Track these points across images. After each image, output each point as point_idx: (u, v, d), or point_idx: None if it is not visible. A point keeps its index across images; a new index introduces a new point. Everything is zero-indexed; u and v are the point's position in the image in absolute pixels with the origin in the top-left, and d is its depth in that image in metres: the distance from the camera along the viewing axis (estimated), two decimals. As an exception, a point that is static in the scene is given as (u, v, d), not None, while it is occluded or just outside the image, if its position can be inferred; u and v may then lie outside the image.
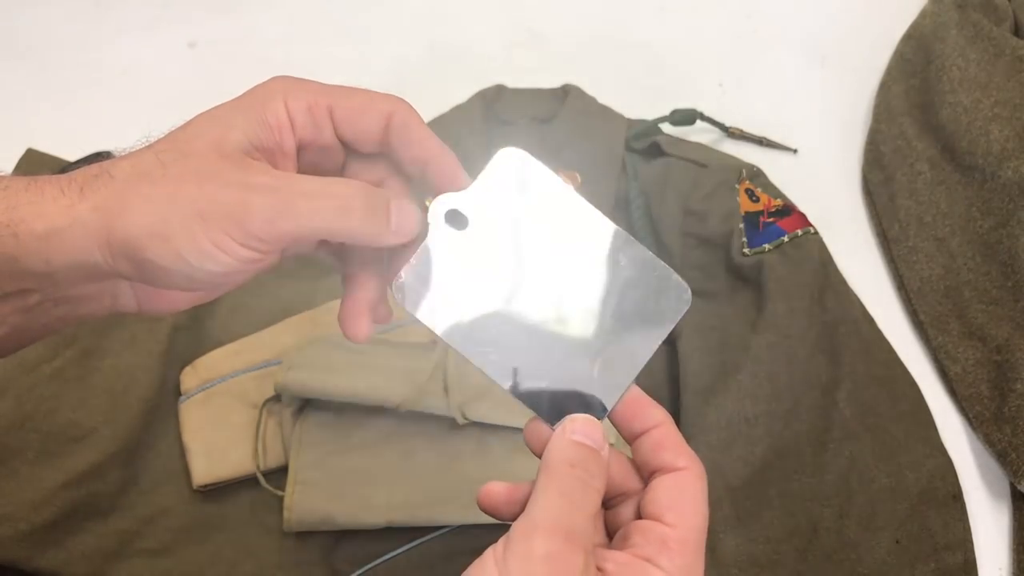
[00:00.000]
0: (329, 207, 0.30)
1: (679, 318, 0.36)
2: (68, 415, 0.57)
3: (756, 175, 0.68)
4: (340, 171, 0.36)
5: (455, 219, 0.34)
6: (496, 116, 0.76)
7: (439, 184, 0.34)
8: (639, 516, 0.33)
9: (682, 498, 0.32)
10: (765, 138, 0.76)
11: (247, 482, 0.57)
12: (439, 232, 0.34)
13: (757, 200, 0.65)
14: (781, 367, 0.58)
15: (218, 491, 0.58)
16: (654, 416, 0.34)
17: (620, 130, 0.72)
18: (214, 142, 0.31)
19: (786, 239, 0.63)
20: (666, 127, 0.74)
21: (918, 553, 0.53)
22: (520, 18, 0.89)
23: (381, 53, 0.87)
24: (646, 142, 0.72)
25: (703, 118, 0.74)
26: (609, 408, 0.34)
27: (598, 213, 0.35)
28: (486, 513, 0.33)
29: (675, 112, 0.73)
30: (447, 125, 0.74)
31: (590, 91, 0.75)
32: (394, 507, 0.53)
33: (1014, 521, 0.56)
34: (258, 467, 0.56)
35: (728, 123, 0.76)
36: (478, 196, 0.34)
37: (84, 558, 0.54)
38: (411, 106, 0.34)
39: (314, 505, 0.54)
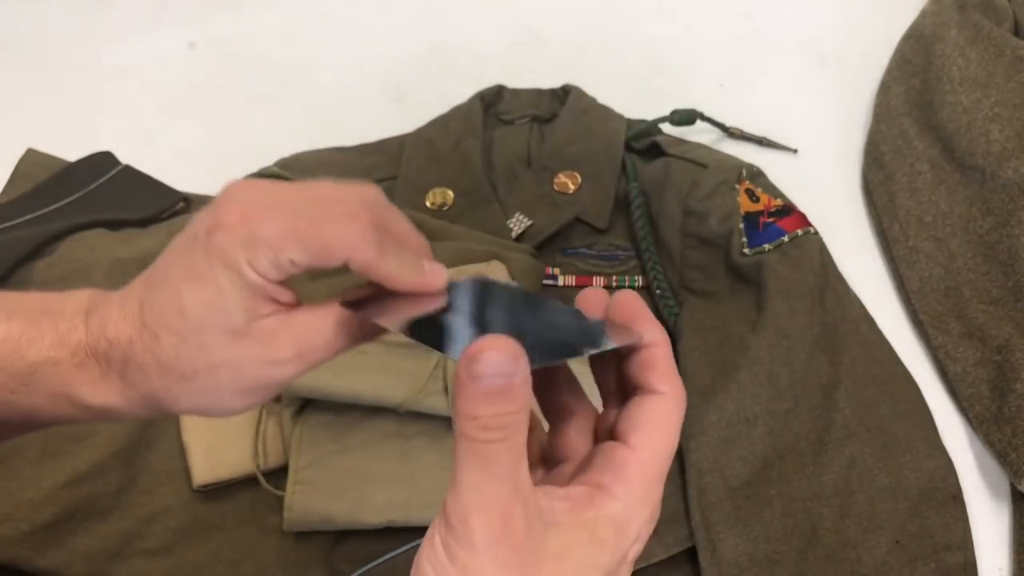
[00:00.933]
0: (344, 345, 0.36)
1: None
2: (68, 415, 0.57)
3: (756, 175, 0.68)
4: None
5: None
6: (496, 116, 0.76)
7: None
8: (597, 439, 0.31)
9: (652, 421, 0.30)
10: (765, 138, 0.76)
11: (247, 482, 0.57)
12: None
13: (757, 200, 0.65)
14: (781, 367, 0.58)
15: (218, 491, 0.58)
16: (650, 333, 0.31)
17: (620, 130, 0.72)
18: (225, 330, 0.32)
19: (786, 239, 0.63)
20: (666, 127, 0.74)
21: (918, 553, 0.53)
22: (520, 18, 0.90)
23: (381, 53, 0.87)
24: (646, 142, 0.72)
25: (703, 118, 0.74)
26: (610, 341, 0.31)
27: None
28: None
29: (675, 112, 0.73)
30: (447, 125, 0.74)
31: (590, 91, 0.75)
32: (394, 507, 0.53)
33: (1014, 521, 0.56)
34: (258, 467, 0.56)
35: (728, 123, 0.76)
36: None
37: (84, 558, 0.54)
38: (368, 225, 0.31)
39: (314, 505, 0.54)
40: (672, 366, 0.31)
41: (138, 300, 0.33)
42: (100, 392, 0.33)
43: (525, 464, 0.28)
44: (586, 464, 0.30)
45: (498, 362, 0.25)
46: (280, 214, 0.31)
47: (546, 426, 0.34)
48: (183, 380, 0.32)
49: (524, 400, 0.26)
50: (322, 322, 0.34)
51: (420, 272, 0.33)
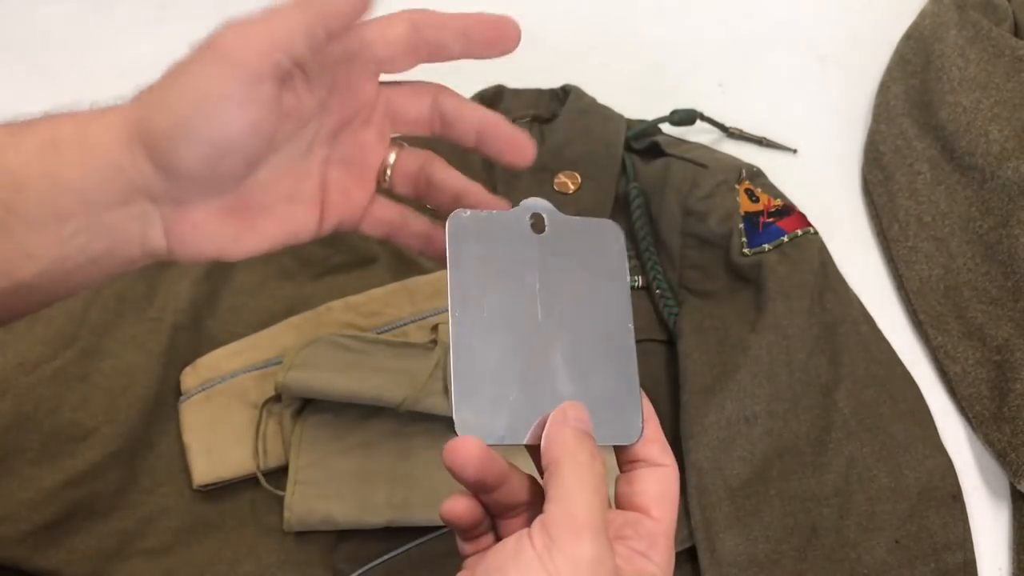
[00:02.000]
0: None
1: (607, 444, 0.34)
2: (68, 415, 0.57)
3: (756, 175, 0.68)
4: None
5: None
6: (496, 116, 0.76)
7: (497, 146, 0.38)
8: (616, 504, 0.34)
9: (667, 493, 0.34)
10: (765, 138, 0.76)
11: (247, 482, 0.57)
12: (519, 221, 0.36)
13: (757, 200, 0.65)
14: (781, 367, 0.58)
15: (218, 491, 0.58)
16: (647, 407, 0.36)
17: (620, 130, 0.72)
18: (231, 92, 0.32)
19: (786, 239, 0.63)
20: (666, 127, 0.74)
21: (918, 553, 0.53)
22: (520, 18, 0.89)
23: (381, 53, 0.87)
24: (646, 142, 0.72)
25: (703, 118, 0.74)
26: (641, 427, 0.35)
27: (630, 322, 0.37)
28: (447, 523, 0.34)
29: (675, 112, 0.73)
30: (447, 125, 0.74)
31: (590, 91, 0.75)
32: (394, 507, 0.53)
33: (1014, 521, 0.56)
34: (258, 467, 0.56)
35: (728, 123, 0.76)
36: (567, 226, 0.37)
37: (84, 558, 0.54)
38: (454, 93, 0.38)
39: (314, 505, 0.54)
40: (665, 439, 0.35)
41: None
42: (86, 120, 0.33)
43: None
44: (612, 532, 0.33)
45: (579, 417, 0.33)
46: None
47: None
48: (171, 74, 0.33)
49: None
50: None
51: None
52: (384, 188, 0.40)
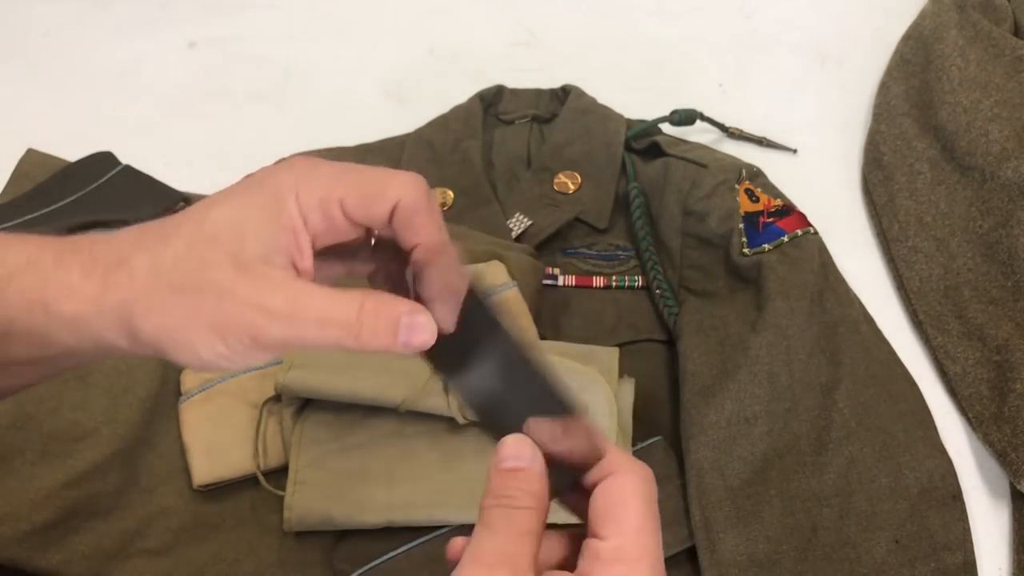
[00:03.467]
0: (336, 335, 0.32)
1: (495, 310, 0.35)
2: (68, 415, 0.57)
3: (756, 175, 0.68)
4: (360, 248, 0.37)
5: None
6: (496, 116, 0.76)
7: (430, 288, 0.34)
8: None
9: (613, 506, 0.31)
10: (765, 138, 0.76)
11: (247, 482, 0.57)
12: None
13: (757, 200, 0.65)
14: (781, 367, 0.58)
15: (218, 491, 0.58)
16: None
17: (620, 130, 0.72)
18: (232, 254, 0.32)
19: (786, 239, 0.63)
20: (666, 127, 0.74)
21: (918, 553, 0.53)
22: (520, 18, 0.90)
23: (381, 53, 0.87)
24: (646, 142, 0.72)
25: (703, 118, 0.74)
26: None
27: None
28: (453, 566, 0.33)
29: (675, 112, 0.73)
30: (447, 125, 0.74)
31: (590, 91, 0.75)
32: (394, 507, 0.53)
33: (1014, 521, 0.56)
34: (258, 467, 0.56)
35: (728, 123, 0.76)
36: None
37: (84, 558, 0.54)
38: (423, 188, 0.34)
39: (314, 505, 0.54)
40: (615, 447, 0.34)
41: (164, 219, 0.33)
42: (75, 295, 0.32)
43: (539, 536, 0.31)
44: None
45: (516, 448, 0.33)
46: (338, 166, 0.33)
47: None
48: (168, 291, 0.31)
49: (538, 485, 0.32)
50: (327, 301, 0.32)
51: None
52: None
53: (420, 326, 0.33)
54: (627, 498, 0.31)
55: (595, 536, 0.31)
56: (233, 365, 0.32)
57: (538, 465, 0.33)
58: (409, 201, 0.34)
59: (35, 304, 0.32)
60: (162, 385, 0.60)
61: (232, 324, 0.31)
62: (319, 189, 0.33)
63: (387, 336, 0.33)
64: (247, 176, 0.34)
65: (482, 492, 0.33)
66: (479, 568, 0.29)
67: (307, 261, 0.33)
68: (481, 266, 0.60)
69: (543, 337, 0.61)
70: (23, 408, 0.57)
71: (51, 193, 0.72)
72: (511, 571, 0.29)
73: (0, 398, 0.36)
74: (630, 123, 0.73)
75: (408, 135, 0.75)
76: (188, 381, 0.60)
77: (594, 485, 0.32)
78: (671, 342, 0.62)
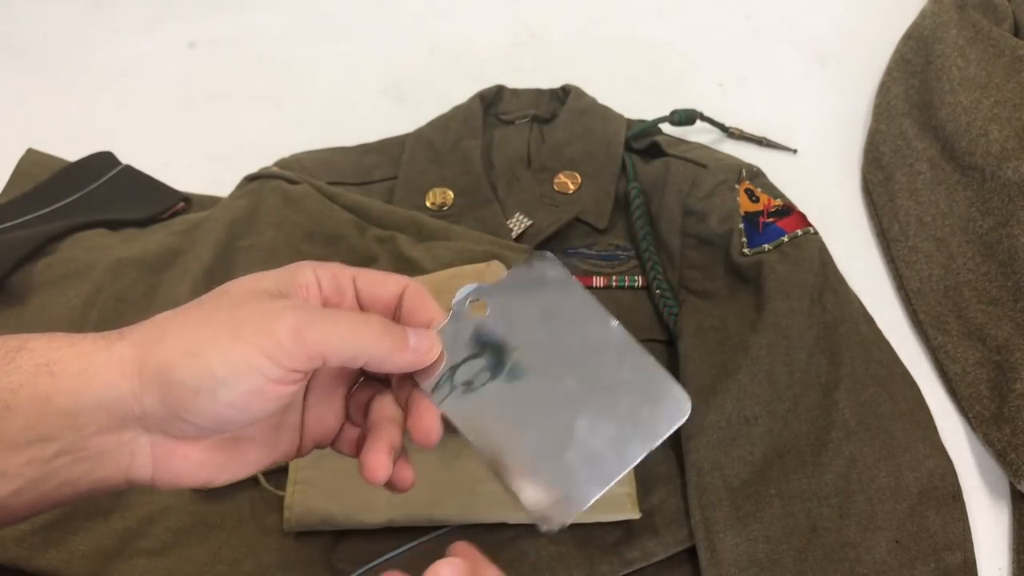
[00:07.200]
0: (349, 322, 0.34)
1: (673, 428, 0.37)
2: (68, 415, 0.57)
3: (756, 175, 0.68)
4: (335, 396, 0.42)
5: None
6: (496, 116, 0.76)
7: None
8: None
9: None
10: (765, 138, 0.76)
11: (247, 482, 0.57)
12: (461, 318, 0.38)
13: (757, 200, 0.65)
14: (781, 367, 0.58)
15: (218, 491, 0.58)
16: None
17: (620, 130, 0.72)
18: (247, 288, 0.35)
19: (786, 239, 0.63)
20: (666, 127, 0.74)
21: (918, 553, 0.53)
22: (520, 18, 0.90)
23: (381, 53, 0.87)
24: (646, 142, 0.72)
25: (703, 118, 0.74)
26: (584, 507, 0.35)
27: (611, 319, 0.37)
28: None
29: (675, 112, 0.73)
30: (447, 125, 0.74)
31: (590, 91, 0.76)
32: (394, 507, 0.53)
33: (1014, 521, 0.56)
34: (258, 467, 0.56)
35: (728, 123, 0.76)
36: (503, 290, 0.38)
37: (84, 558, 0.54)
38: (421, 286, 0.38)
39: (314, 505, 0.54)
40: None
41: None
42: (83, 353, 0.32)
43: None
44: None
45: None
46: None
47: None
48: (180, 315, 0.34)
49: None
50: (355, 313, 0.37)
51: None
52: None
53: (427, 335, 0.37)
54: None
55: None
56: (245, 385, 0.32)
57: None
58: (416, 289, 0.38)
59: (41, 367, 0.32)
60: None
61: (245, 323, 0.32)
62: (333, 268, 0.37)
63: (398, 339, 0.36)
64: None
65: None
66: None
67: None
68: (481, 266, 0.60)
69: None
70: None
71: (51, 193, 0.72)
72: None
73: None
74: (630, 123, 0.73)
75: (408, 135, 0.75)
76: (188, 381, 0.60)
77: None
78: (671, 342, 0.62)
